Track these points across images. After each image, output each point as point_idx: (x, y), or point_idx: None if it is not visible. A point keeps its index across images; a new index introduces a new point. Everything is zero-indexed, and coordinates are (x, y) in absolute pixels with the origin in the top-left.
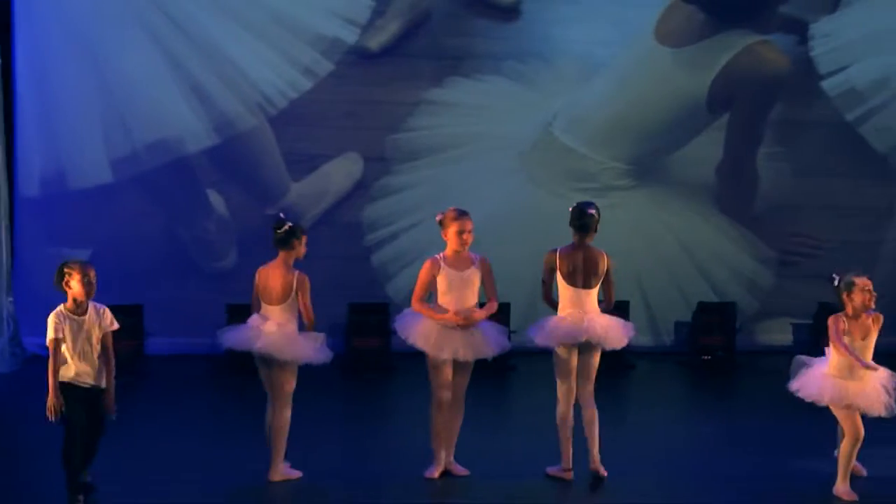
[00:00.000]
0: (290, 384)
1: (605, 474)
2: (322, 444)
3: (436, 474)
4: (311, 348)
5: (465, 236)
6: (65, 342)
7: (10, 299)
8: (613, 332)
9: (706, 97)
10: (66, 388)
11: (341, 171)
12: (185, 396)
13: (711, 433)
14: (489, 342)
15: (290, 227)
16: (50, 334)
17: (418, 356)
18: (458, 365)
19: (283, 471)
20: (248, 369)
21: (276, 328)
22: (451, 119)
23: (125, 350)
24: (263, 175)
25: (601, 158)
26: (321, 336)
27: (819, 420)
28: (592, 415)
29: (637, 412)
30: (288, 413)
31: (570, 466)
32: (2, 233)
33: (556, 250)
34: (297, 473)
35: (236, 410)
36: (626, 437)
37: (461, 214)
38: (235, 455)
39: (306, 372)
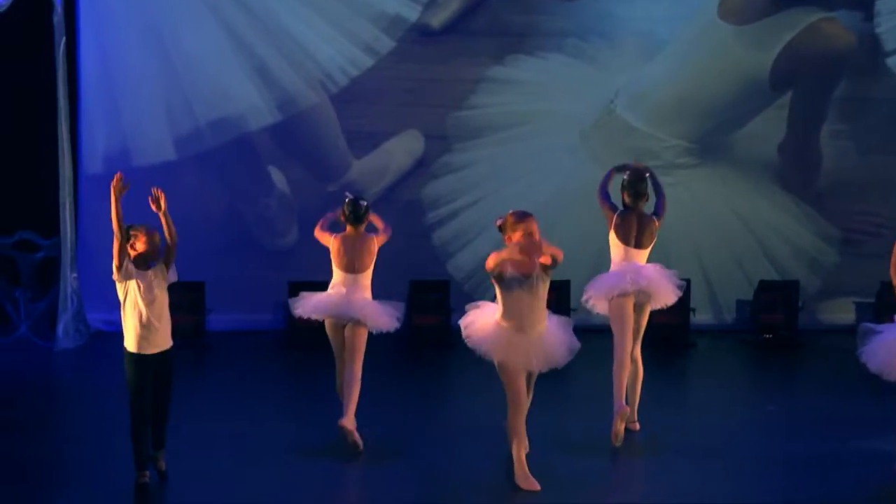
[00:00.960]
0: (364, 347)
1: (638, 428)
2: (382, 424)
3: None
4: (395, 316)
5: (530, 240)
6: (129, 295)
7: (75, 275)
8: (662, 284)
9: (769, 75)
10: (132, 360)
11: (402, 149)
12: (247, 371)
13: (773, 413)
14: (562, 347)
15: (367, 204)
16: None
17: None
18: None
19: (354, 421)
20: (310, 344)
21: (363, 296)
22: (512, 97)
23: (186, 325)
24: (325, 152)
25: (663, 136)
26: (401, 305)
27: (884, 399)
28: (638, 370)
29: (698, 391)
30: (360, 368)
31: (626, 402)
32: (66, 210)
33: (615, 210)
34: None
35: (299, 384)
36: (686, 417)
37: (524, 217)
38: (300, 430)
39: (367, 350)
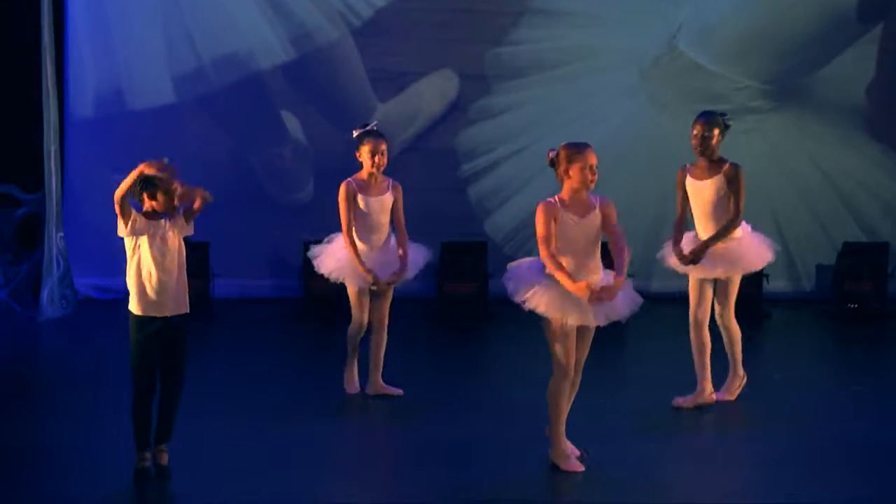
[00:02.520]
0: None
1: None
2: (409, 401)
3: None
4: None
5: (589, 174)
6: (137, 249)
7: (61, 234)
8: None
9: (856, 4)
10: (136, 323)
11: (434, 91)
12: (258, 345)
13: (859, 394)
14: (623, 300)
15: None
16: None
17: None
18: (581, 330)
19: (381, 385)
20: (327, 312)
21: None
22: (561, 31)
23: (189, 291)
24: (345, 95)
25: (734, 76)
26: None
27: None
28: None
29: (772, 368)
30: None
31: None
32: (52, 159)
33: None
34: (395, 391)
35: (317, 360)
36: (759, 397)
37: (581, 148)
38: (321, 417)
39: (392, 322)
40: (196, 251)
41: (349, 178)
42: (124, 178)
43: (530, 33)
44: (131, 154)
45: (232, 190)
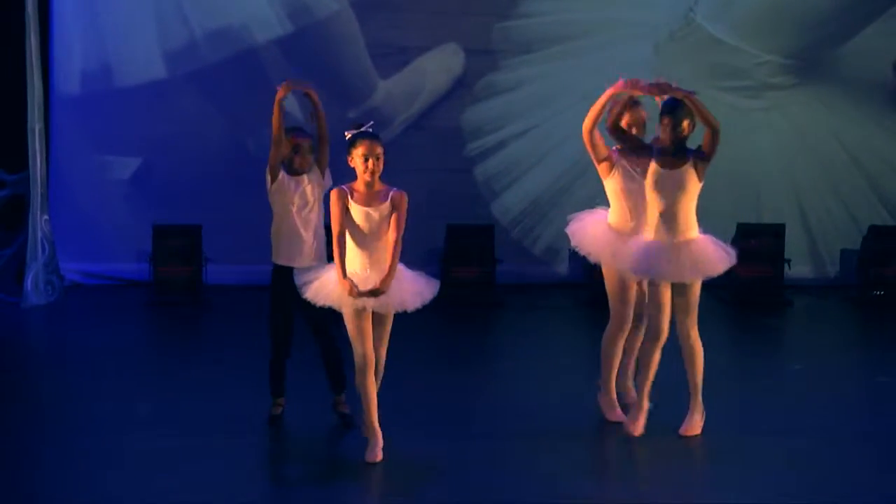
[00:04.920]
0: None
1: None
2: (409, 394)
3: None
4: None
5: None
6: (280, 205)
7: (46, 217)
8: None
9: None
10: (275, 272)
11: (438, 66)
12: (253, 334)
13: (885, 385)
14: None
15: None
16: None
17: (528, 290)
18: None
19: None
20: None
21: None
22: (571, 3)
23: (179, 277)
24: (345, 71)
25: (754, 51)
26: None
27: None
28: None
29: (794, 358)
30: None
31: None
32: (36, 138)
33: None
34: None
35: (316, 351)
36: (778, 390)
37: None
38: (319, 407)
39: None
40: (188, 235)
41: (343, 186)
42: (111, 159)
43: (540, 6)
44: (119, 133)
45: (225, 171)
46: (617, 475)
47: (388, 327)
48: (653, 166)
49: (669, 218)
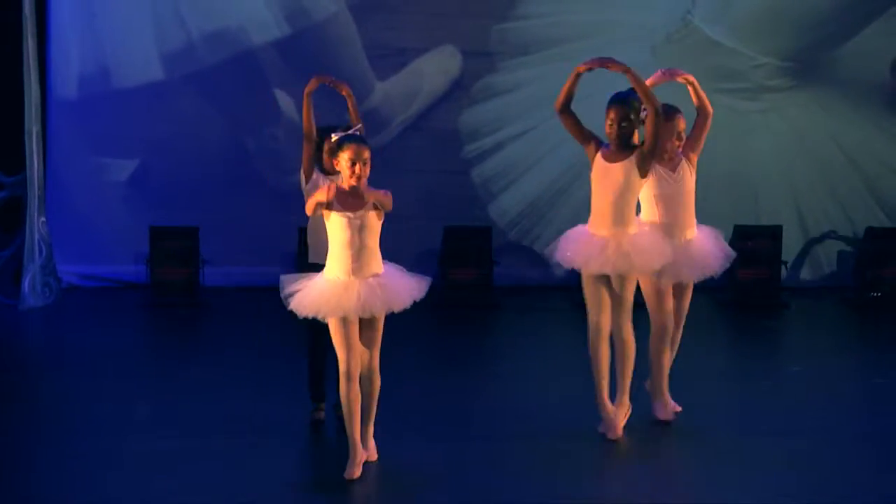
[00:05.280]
0: None
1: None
2: (407, 398)
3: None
4: None
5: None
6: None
7: (43, 220)
8: None
9: None
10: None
11: (436, 68)
12: (251, 336)
13: (882, 387)
14: (715, 252)
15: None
16: None
17: (526, 292)
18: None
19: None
20: None
21: None
22: (569, 5)
23: (176, 279)
24: (343, 73)
25: (752, 53)
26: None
27: None
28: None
29: (792, 359)
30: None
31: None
32: (34, 140)
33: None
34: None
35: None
36: (775, 393)
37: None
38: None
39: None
40: (185, 237)
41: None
42: (109, 161)
43: (537, 8)
44: (116, 134)
45: (223, 172)
46: (617, 475)
47: (379, 332)
48: (597, 158)
49: (608, 211)
